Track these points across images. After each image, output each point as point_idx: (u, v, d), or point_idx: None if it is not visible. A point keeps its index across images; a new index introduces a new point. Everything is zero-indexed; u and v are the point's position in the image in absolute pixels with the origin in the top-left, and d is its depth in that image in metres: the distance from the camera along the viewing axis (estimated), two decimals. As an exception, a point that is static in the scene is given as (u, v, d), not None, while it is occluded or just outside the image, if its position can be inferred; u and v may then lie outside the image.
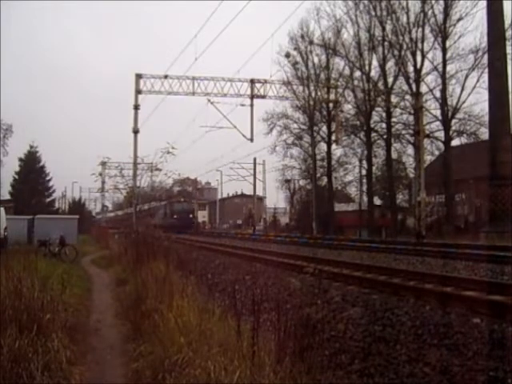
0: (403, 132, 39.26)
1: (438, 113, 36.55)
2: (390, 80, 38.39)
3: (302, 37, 42.83)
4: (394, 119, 38.92)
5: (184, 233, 42.06)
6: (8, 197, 47.93)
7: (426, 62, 36.79)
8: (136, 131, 29.72)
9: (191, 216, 54.79)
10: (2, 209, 22.90)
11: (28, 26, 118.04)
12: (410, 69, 37.30)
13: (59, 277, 8.23)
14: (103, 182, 44.76)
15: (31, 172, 53.48)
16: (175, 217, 51.09)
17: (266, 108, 50.87)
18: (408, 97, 35.31)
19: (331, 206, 44.22)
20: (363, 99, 38.10)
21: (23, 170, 53.67)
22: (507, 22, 27.45)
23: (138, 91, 30.04)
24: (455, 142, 38.47)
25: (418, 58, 36.80)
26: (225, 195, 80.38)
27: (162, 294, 7.39)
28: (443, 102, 35.78)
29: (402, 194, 45.80)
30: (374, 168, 42.29)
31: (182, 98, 31.28)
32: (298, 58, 43.08)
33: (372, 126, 40.24)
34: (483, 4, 27.63)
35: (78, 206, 63.81)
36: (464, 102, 35.46)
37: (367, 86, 38.97)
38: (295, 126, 46.16)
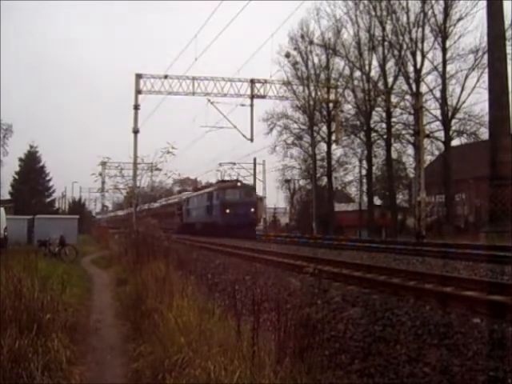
0: (403, 132, 39.31)
1: (438, 113, 36.60)
2: (390, 80, 38.41)
3: (302, 37, 42.85)
4: (393, 119, 38.95)
5: (244, 238, 29.00)
6: (8, 197, 47.99)
7: (426, 62, 36.84)
8: (136, 131, 29.74)
9: (253, 210, 35.90)
10: (2, 209, 22.91)
11: (28, 26, 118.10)
12: (410, 69, 37.33)
13: (59, 277, 8.26)
14: (103, 182, 44.77)
15: (31, 172, 53.54)
16: (228, 211, 34.51)
17: (265, 108, 50.89)
18: (408, 97, 35.34)
19: (331, 206, 44.23)
20: (363, 99, 38.10)
21: (23, 169, 53.73)
22: (507, 22, 27.48)
23: (138, 91, 30.06)
24: (455, 142, 38.54)
25: (418, 58, 36.84)
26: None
27: (162, 294, 7.39)
28: (443, 102, 35.78)
29: (402, 194, 45.82)
30: (374, 168, 42.34)
31: (182, 98, 31.35)
32: (298, 58, 43.12)
33: (372, 126, 40.26)
34: (483, 4, 27.65)
35: (77, 206, 63.82)
36: (464, 102, 35.52)
37: (367, 85, 38.98)
38: (295, 126, 46.22)
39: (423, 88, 36.01)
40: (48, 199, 56.40)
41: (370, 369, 4.86)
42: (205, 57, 55.38)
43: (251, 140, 31.36)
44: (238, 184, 38.08)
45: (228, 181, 40.66)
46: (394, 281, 9.61)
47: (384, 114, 38.86)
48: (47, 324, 5.90)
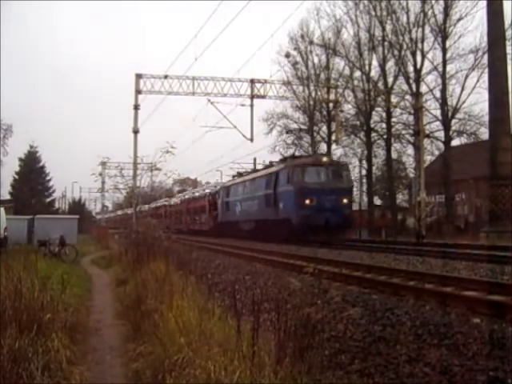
0: (403, 132, 39.31)
1: (438, 113, 36.66)
2: (390, 80, 38.45)
3: (302, 37, 42.86)
4: (393, 119, 38.96)
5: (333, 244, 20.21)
6: (8, 197, 48.08)
7: (426, 62, 36.91)
8: (136, 131, 29.74)
9: (347, 202, 23.73)
10: (2, 209, 22.91)
11: (28, 26, 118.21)
12: (410, 69, 37.40)
13: (59, 277, 8.24)
14: (103, 182, 44.83)
15: (31, 172, 53.64)
16: (308, 203, 22.63)
17: (266, 108, 50.88)
18: (408, 97, 35.35)
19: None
20: (363, 99, 38.11)
21: (23, 169, 53.82)
22: (507, 22, 27.55)
23: (138, 91, 30.06)
24: (455, 142, 38.57)
25: (418, 58, 36.92)
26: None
27: (162, 294, 7.39)
28: (443, 102, 35.81)
29: (402, 194, 45.83)
30: (374, 168, 42.34)
31: (182, 98, 31.36)
32: (298, 58, 43.12)
33: (372, 126, 40.26)
34: (483, 4, 27.71)
35: (77, 206, 64.00)
36: (464, 102, 35.60)
37: (367, 85, 38.99)
38: (295, 126, 46.17)
39: (423, 88, 36.12)
40: (48, 199, 56.50)
41: (370, 369, 4.86)
42: (205, 57, 55.55)
43: (251, 140, 31.33)
44: (324, 159, 24.61)
45: (302, 156, 27.86)
46: (394, 281, 9.62)
47: (384, 114, 38.89)
48: (47, 324, 5.89)
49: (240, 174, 35.48)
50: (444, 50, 35.83)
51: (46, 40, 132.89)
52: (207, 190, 42.39)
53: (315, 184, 23.25)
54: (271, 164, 30.02)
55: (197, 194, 45.43)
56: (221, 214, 35.32)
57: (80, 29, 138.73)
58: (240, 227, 30.77)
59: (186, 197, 48.97)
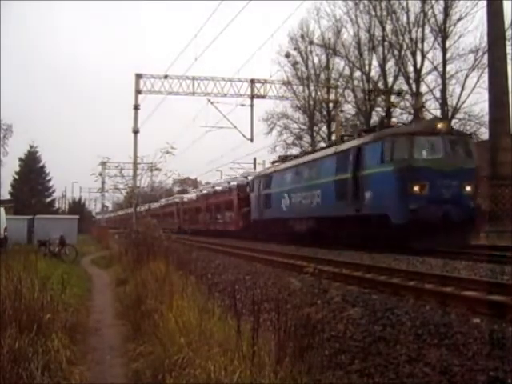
0: (403, 132, 39.13)
1: (438, 113, 36.57)
2: (390, 80, 38.39)
3: (302, 37, 42.81)
4: (393, 119, 38.87)
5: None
6: (8, 197, 48.08)
7: (426, 62, 36.80)
8: (136, 131, 29.78)
9: (470, 189, 16.20)
10: (2, 209, 22.93)
11: (28, 26, 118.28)
12: (410, 69, 37.31)
13: (59, 277, 8.24)
14: (103, 182, 44.93)
15: (31, 172, 53.68)
16: (418, 190, 15.62)
17: (265, 108, 50.90)
18: (408, 97, 35.29)
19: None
20: (363, 99, 38.09)
21: (23, 169, 53.85)
22: (507, 22, 27.48)
23: (138, 91, 30.10)
24: (455, 142, 38.41)
25: (418, 58, 36.80)
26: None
27: (162, 294, 7.39)
28: (443, 102, 35.76)
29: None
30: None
31: (182, 98, 31.42)
32: (298, 58, 43.06)
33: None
34: (483, 4, 27.68)
35: (77, 206, 64.09)
36: (464, 102, 35.49)
37: (367, 86, 38.96)
38: (295, 125, 46.13)
39: (423, 88, 36.05)
40: (48, 199, 56.53)
41: (370, 369, 4.85)
42: (205, 57, 55.66)
43: (251, 140, 31.39)
44: (440, 125, 16.97)
45: (400, 123, 21.36)
46: (394, 281, 9.61)
47: (384, 114, 38.85)
48: (47, 324, 5.89)
49: (284, 158, 27.61)
50: (444, 50, 35.76)
51: (46, 40, 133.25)
52: (234, 182, 35.35)
53: (429, 162, 16.22)
54: (342, 138, 22.51)
55: (219, 188, 38.35)
56: (256, 211, 27.84)
57: (80, 29, 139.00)
58: (289, 227, 23.59)
59: (205, 192, 42.20)
